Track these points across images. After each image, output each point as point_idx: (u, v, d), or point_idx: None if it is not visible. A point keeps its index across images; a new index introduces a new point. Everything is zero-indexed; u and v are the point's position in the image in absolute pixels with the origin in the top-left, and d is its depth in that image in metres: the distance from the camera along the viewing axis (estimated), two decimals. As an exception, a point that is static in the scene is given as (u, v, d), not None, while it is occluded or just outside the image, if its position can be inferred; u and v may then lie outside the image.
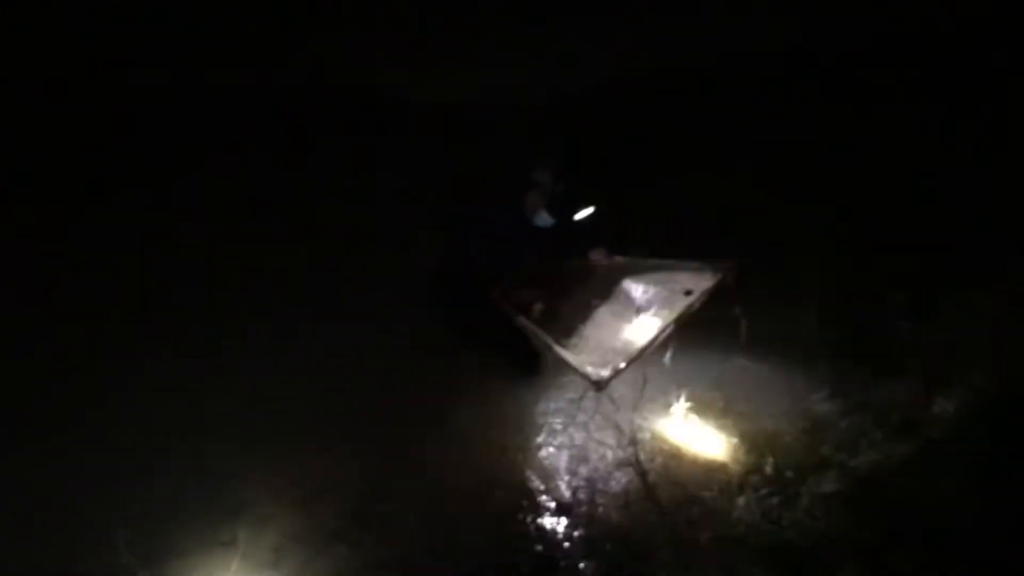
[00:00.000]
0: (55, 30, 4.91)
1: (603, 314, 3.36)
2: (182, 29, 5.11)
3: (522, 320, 3.15)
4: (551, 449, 3.01)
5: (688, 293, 3.07)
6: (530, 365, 3.30)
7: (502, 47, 5.13)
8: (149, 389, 3.35)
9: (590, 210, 3.08)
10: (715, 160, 4.52)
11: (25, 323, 3.69)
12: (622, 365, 2.77)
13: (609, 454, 2.91)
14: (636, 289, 3.35)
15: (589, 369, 2.76)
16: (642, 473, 2.77)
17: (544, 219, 3.37)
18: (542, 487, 2.81)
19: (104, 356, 3.50)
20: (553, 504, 2.73)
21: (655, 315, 3.15)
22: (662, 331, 2.90)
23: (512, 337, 3.15)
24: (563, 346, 2.99)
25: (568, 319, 3.32)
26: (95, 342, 3.58)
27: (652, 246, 3.44)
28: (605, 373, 2.73)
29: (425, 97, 5.13)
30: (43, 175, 4.49)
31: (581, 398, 3.14)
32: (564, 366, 2.92)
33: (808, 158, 4.23)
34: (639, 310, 3.24)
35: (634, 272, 3.40)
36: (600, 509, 2.66)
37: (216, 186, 4.60)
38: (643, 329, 3.08)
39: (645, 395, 3.06)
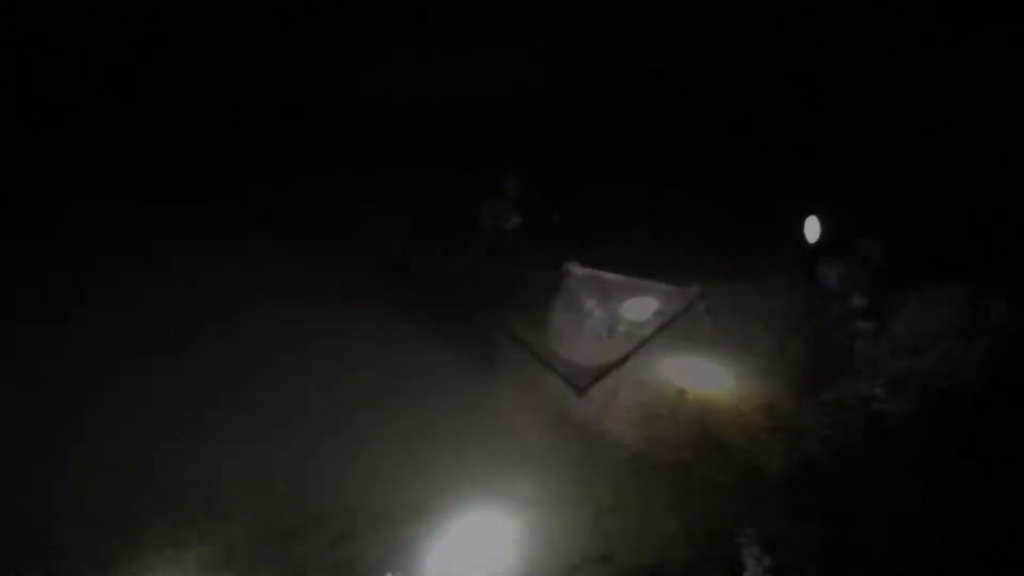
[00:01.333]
0: (57, 30, 5.03)
1: (577, 329, 3.48)
2: (180, 31, 5.21)
3: (504, 329, 3.31)
4: (529, 440, 3.01)
5: (658, 314, 3.31)
6: (502, 361, 3.30)
7: (493, 47, 5.20)
8: (112, 389, 3.23)
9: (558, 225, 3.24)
10: (698, 160, 4.63)
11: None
12: (600, 375, 3.03)
13: (590, 447, 2.94)
14: (608, 307, 3.47)
15: (570, 377, 3.05)
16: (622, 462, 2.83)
17: (512, 223, 3.40)
18: (522, 478, 2.81)
19: (71, 355, 3.43)
20: (535, 496, 2.73)
21: (627, 334, 3.34)
22: (635, 350, 3.14)
23: (487, 334, 3.18)
24: (544, 355, 3.22)
25: (544, 330, 3.43)
26: (62, 340, 3.52)
27: (627, 260, 3.51)
28: (584, 382, 3.01)
29: (412, 97, 5.14)
30: (44, 172, 4.56)
31: (562, 395, 3.17)
32: (547, 371, 3.14)
33: (785, 157, 4.36)
34: (611, 329, 3.39)
35: (607, 289, 3.51)
36: (585, 500, 2.69)
37: (211, 183, 4.68)
38: (616, 347, 3.26)
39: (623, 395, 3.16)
